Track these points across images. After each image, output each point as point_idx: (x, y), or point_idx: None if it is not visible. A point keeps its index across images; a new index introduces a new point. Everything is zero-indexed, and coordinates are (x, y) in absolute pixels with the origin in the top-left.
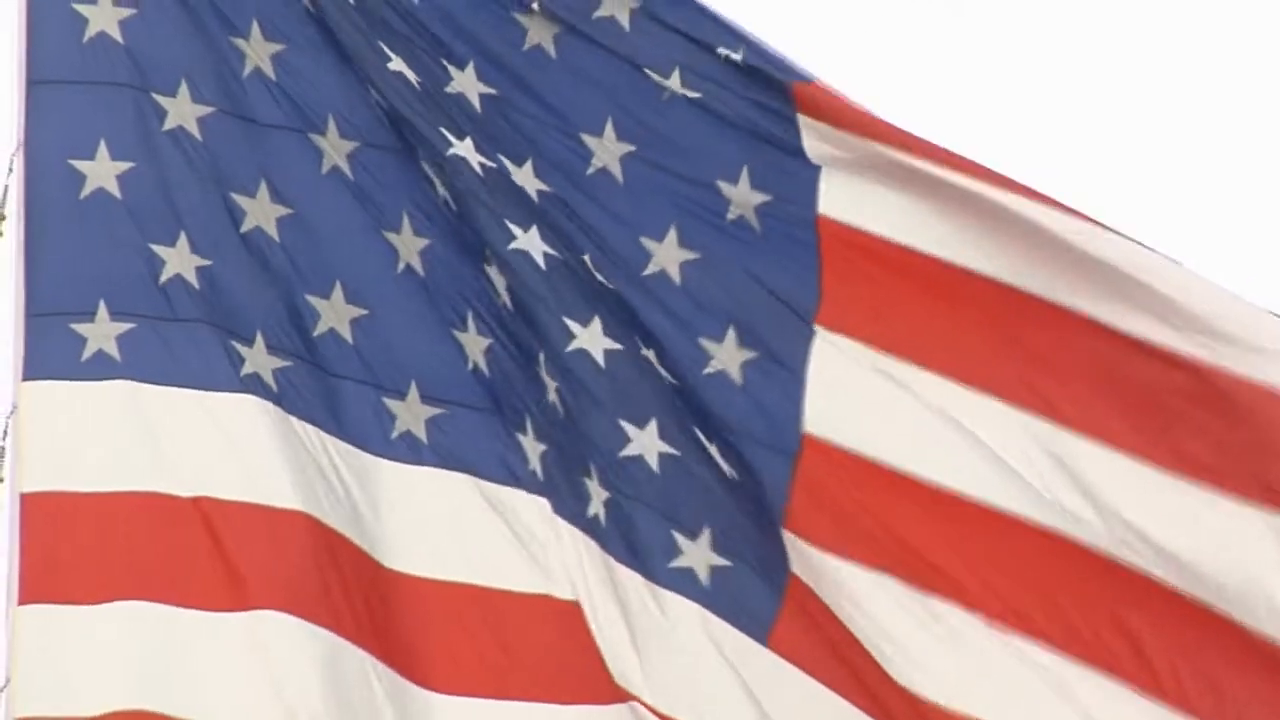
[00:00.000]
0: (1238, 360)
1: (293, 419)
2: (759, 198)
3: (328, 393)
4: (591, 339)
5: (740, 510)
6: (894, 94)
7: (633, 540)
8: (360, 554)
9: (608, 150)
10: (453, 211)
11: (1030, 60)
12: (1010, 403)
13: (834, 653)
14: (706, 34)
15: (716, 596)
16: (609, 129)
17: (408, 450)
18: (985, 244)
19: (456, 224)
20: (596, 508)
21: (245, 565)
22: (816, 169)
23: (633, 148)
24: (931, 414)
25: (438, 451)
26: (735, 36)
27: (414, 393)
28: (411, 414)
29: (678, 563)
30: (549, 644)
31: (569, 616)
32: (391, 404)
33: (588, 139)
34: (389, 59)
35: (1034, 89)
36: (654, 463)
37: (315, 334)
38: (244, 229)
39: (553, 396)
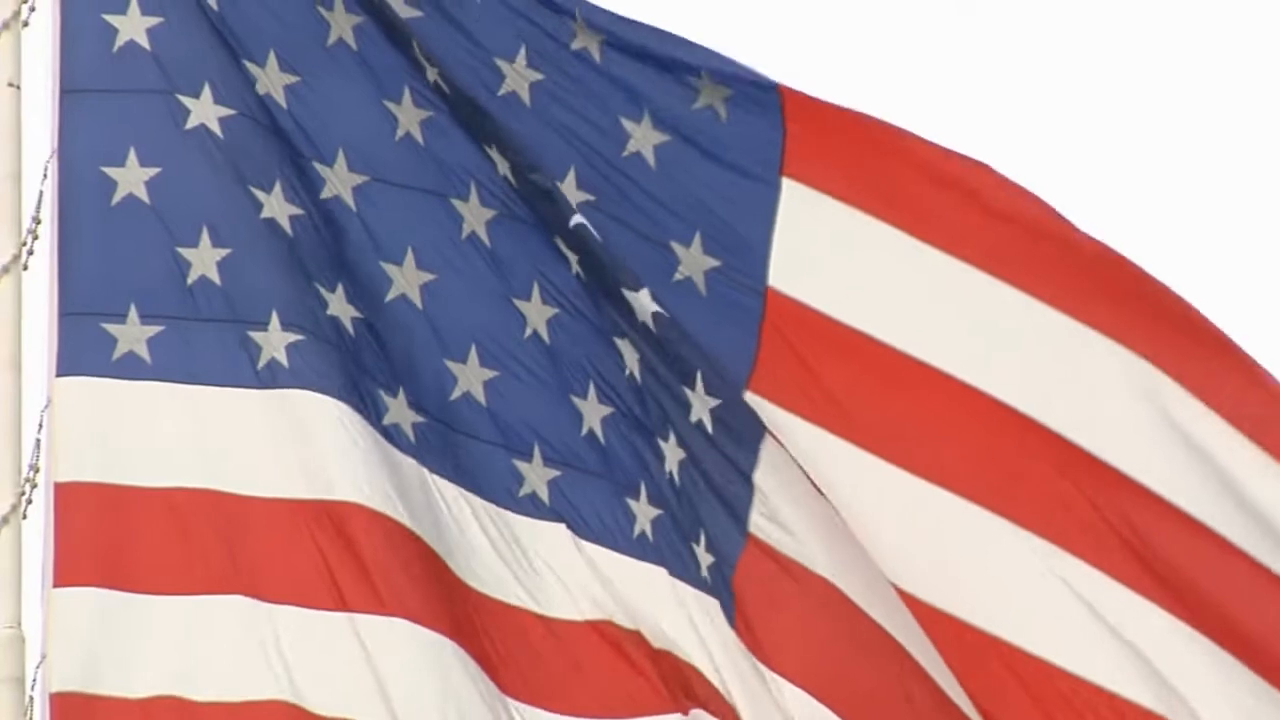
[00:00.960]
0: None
1: (312, 394)
2: (710, 262)
3: (337, 366)
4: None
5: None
6: (902, 93)
7: (677, 551)
8: (412, 537)
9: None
10: (482, 246)
11: (1039, 59)
12: (938, 485)
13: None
14: (676, 54)
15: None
16: (571, 177)
17: (398, 436)
18: (943, 335)
19: (466, 262)
20: (643, 525)
21: (285, 559)
22: (769, 238)
23: (591, 198)
24: (854, 490)
25: (421, 451)
26: (705, 53)
27: (402, 395)
28: (400, 412)
29: (704, 572)
30: (537, 653)
31: (554, 630)
32: (384, 396)
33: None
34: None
35: (1043, 88)
36: (678, 476)
37: (326, 314)
38: (262, 216)
39: (591, 425)
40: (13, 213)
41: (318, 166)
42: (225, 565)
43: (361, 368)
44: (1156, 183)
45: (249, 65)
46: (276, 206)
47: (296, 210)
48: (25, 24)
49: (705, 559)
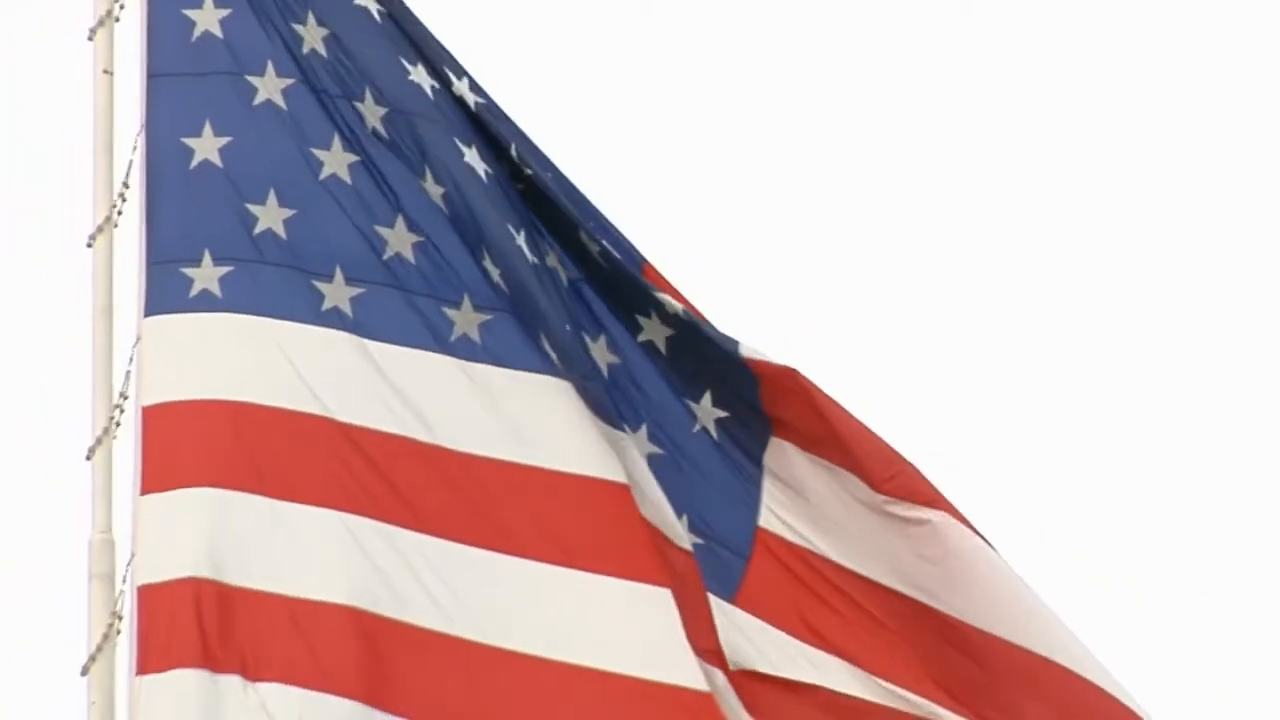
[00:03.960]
0: None
1: (367, 342)
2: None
3: (398, 307)
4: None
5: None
6: (903, 93)
7: None
8: (493, 465)
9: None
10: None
11: (1039, 60)
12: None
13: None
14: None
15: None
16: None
17: (464, 348)
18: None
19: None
20: None
21: (326, 468)
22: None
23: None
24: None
25: (491, 348)
26: (599, 226)
27: (467, 302)
28: (467, 320)
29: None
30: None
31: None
32: (449, 311)
33: None
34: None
35: (1043, 88)
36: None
37: (385, 258)
38: (322, 177)
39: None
40: (106, 180)
41: (356, 105)
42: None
43: (426, 294)
44: (1156, 183)
45: (295, 26)
46: (335, 161)
47: (354, 158)
48: (117, 20)
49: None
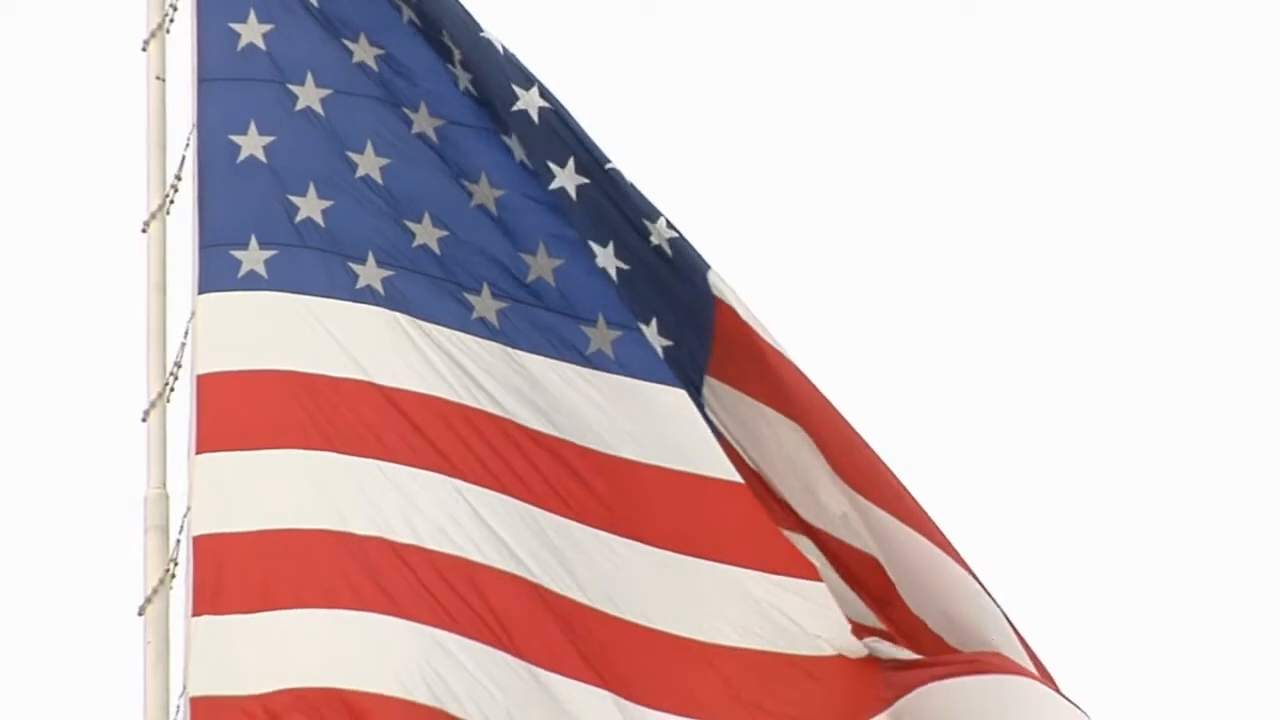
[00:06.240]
0: None
1: (398, 315)
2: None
3: (424, 289)
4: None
5: None
6: (905, 93)
7: None
8: (527, 431)
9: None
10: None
11: (1041, 60)
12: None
13: None
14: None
15: None
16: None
17: (483, 328)
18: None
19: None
20: None
21: (368, 421)
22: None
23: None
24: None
25: (505, 331)
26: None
27: (486, 290)
28: (485, 306)
29: None
30: None
31: None
32: (469, 296)
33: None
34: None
35: (1045, 89)
36: None
37: (413, 246)
38: (357, 175)
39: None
40: (159, 173)
41: (405, 111)
42: (321, 424)
43: (446, 279)
44: (1157, 183)
45: (346, 42)
46: (368, 163)
47: (385, 161)
48: (168, 32)
49: None
